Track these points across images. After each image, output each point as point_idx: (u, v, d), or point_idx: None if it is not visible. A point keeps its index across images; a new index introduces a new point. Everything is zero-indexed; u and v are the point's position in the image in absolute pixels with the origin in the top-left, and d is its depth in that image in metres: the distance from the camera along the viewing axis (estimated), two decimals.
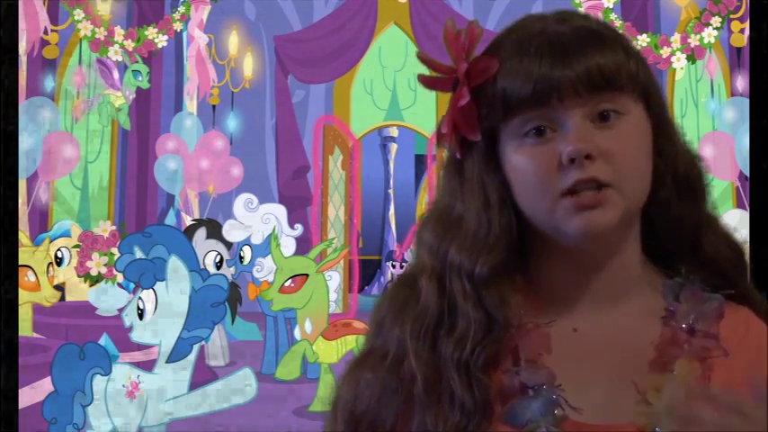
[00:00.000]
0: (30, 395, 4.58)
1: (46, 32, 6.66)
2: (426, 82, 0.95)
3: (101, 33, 6.76)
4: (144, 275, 4.17)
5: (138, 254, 4.13)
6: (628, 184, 0.89)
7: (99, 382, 4.17)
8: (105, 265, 5.62)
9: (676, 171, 0.95)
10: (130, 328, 4.27)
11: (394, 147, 11.70)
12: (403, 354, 0.92)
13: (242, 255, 5.91)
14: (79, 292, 6.03)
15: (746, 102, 6.20)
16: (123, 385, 4.22)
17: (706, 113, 6.89)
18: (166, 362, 4.25)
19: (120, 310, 4.60)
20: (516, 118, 0.90)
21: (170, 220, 7.03)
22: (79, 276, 5.70)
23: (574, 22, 0.93)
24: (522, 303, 0.91)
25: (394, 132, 11.40)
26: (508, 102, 0.90)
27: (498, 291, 0.91)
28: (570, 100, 0.88)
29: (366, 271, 10.22)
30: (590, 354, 0.92)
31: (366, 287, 10.74)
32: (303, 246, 6.01)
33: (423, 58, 0.95)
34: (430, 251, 0.94)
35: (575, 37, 0.91)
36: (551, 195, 0.88)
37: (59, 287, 5.65)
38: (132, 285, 4.70)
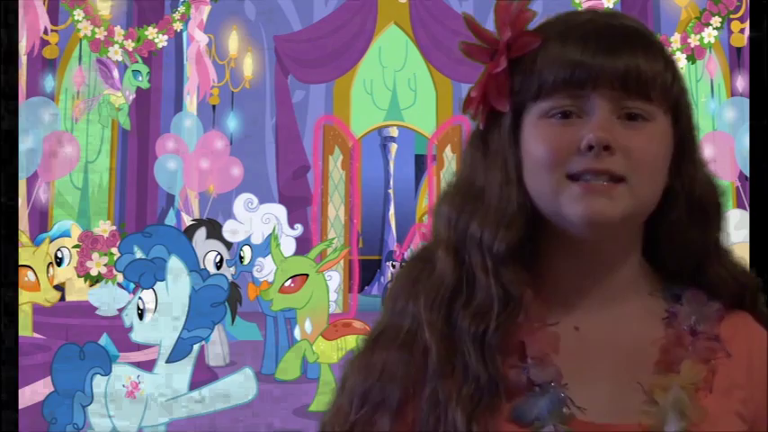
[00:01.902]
0: (30, 395, 4.59)
1: (46, 32, 6.66)
2: (467, 48, 0.95)
3: (101, 33, 6.76)
4: (144, 275, 4.16)
5: (138, 254, 4.13)
6: (641, 184, 0.89)
7: (99, 382, 4.17)
8: (105, 265, 5.62)
9: (692, 194, 0.95)
10: (130, 328, 4.27)
11: (394, 147, 11.71)
12: (416, 327, 0.92)
13: (242, 255, 5.91)
14: (79, 292, 6.04)
15: (746, 102, 6.20)
16: (123, 385, 4.22)
17: (706, 113, 6.90)
18: (166, 362, 4.25)
19: (120, 310, 4.60)
20: (548, 99, 0.90)
21: (170, 220, 7.04)
22: (79, 276, 5.70)
23: (624, 19, 0.95)
24: (530, 299, 0.92)
25: (394, 132, 11.40)
26: (544, 81, 0.90)
27: (515, 270, 0.90)
28: (604, 91, 0.89)
29: (366, 271, 10.22)
30: (592, 353, 0.92)
31: (366, 287, 10.74)
32: (303, 246, 6.01)
33: (469, 21, 0.94)
34: (448, 223, 0.94)
35: (623, 32, 0.92)
36: (558, 175, 0.88)
37: (59, 287, 5.66)
38: (132, 285, 4.71)
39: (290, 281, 5.16)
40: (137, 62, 6.93)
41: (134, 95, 7.05)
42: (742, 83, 6.71)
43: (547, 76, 0.90)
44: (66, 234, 5.97)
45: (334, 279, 5.61)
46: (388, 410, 0.91)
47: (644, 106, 0.90)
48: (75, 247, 5.76)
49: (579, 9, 0.94)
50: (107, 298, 5.44)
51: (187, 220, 6.27)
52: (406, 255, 9.14)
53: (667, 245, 0.96)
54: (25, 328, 5.28)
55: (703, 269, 0.96)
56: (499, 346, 0.89)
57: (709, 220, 0.96)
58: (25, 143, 5.99)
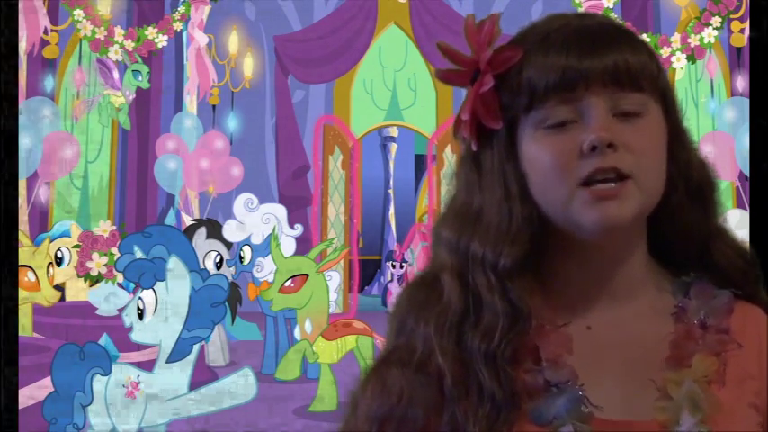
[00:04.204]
0: (30, 395, 4.59)
1: (46, 32, 6.66)
2: (444, 75, 0.94)
3: (101, 33, 6.76)
4: (144, 275, 4.16)
5: (138, 254, 4.13)
6: (647, 178, 0.89)
7: (99, 382, 4.17)
8: (105, 265, 5.62)
9: (690, 178, 0.96)
10: (130, 328, 4.27)
11: (394, 147, 11.72)
12: (429, 350, 0.91)
13: (242, 255, 5.91)
14: (79, 292, 6.04)
15: (746, 102, 6.20)
16: (123, 385, 4.22)
17: (706, 113, 6.90)
18: (166, 362, 4.25)
19: (120, 310, 4.60)
20: (541, 108, 0.90)
21: (170, 220, 7.04)
22: (79, 276, 5.70)
23: (598, 18, 0.95)
24: (539, 305, 0.92)
25: (394, 132, 11.41)
26: (534, 91, 0.90)
27: (521, 282, 0.91)
28: (597, 89, 0.89)
29: (366, 271, 10.23)
30: (604, 351, 0.93)
31: (366, 287, 10.75)
32: (303, 246, 6.01)
33: (444, 49, 0.93)
34: (449, 247, 0.94)
35: (602, 30, 0.92)
36: (568, 184, 0.88)
37: (59, 287, 5.66)
38: (132, 285, 4.71)
39: (290, 281, 5.16)
40: (137, 62, 6.93)
41: (134, 95, 7.05)
42: (742, 83, 6.72)
43: (536, 85, 0.90)
44: (66, 234, 5.98)
45: (334, 279, 5.61)
46: None
47: (638, 98, 0.90)
48: (75, 247, 5.77)
49: (550, 15, 0.94)
50: (107, 298, 5.45)
51: (187, 220, 6.27)
52: (406, 256, 9.14)
53: (671, 231, 0.97)
54: (25, 329, 5.28)
55: (709, 251, 0.97)
56: (512, 355, 0.89)
57: (707, 201, 0.97)
58: (25, 143, 5.99)
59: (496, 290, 0.90)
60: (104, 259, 5.63)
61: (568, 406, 0.88)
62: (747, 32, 6.36)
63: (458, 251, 0.93)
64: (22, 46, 6.40)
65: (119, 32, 6.83)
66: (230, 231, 5.85)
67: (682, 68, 6.76)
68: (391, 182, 11.64)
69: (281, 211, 6.07)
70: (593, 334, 0.93)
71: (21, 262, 4.82)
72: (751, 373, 0.93)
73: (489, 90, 0.91)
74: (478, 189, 0.94)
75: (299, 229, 5.99)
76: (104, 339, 4.44)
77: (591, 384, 0.89)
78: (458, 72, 0.94)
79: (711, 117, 6.76)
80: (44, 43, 6.68)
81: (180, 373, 4.27)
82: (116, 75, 6.95)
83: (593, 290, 0.94)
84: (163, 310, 4.21)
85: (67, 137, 6.64)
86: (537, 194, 0.91)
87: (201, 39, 7.28)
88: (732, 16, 6.60)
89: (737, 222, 5.16)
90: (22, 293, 4.87)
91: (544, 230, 0.92)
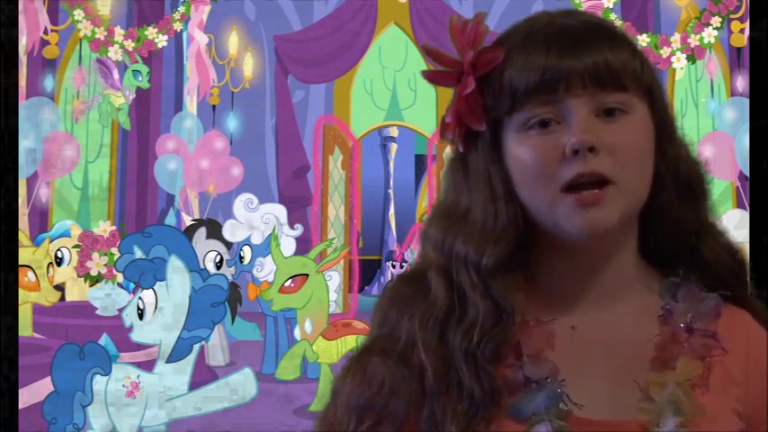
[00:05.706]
0: (30, 395, 4.59)
1: (46, 32, 6.66)
2: (430, 76, 0.95)
3: (101, 33, 6.76)
4: (144, 275, 4.17)
5: (138, 254, 4.14)
6: (630, 181, 0.89)
7: (99, 382, 4.17)
8: (105, 265, 5.62)
9: (678, 173, 0.95)
10: (130, 328, 4.28)
11: (394, 147, 11.70)
12: (412, 344, 0.91)
13: (242, 255, 5.91)
14: (79, 292, 6.03)
15: (746, 102, 6.20)
16: (123, 385, 4.22)
17: (706, 113, 6.89)
18: (166, 362, 4.25)
19: (120, 310, 4.60)
20: (522, 109, 0.90)
21: (170, 220, 7.03)
22: (79, 276, 5.69)
23: (582, 16, 0.95)
24: (524, 301, 0.92)
25: (394, 132, 11.40)
26: (515, 92, 0.90)
27: (504, 281, 0.91)
28: (577, 91, 0.89)
29: (366, 271, 10.20)
30: (589, 351, 0.92)
31: (366, 287, 10.74)
32: (303, 246, 6.01)
33: (429, 50, 0.94)
34: (435, 246, 0.95)
35: (585, 29, 0.91)
36: (552, 188, 0.88)
37: (59, 287, 5.65)
38: (132, 285, 4.71)
39: (290, 281, 5.16)
40: (137, 62, 6.92)
41: (134, 95, 7.05)
42: (742, 83, 6.71)
43: (517, 85, 0.90)
44: (66, 234, 5.97)
45: (334, 279, 5.61)
46: (392, 424, 0.90)
47: (620, 97, 0.90)
48: (75, 247, 5.76)
49: (536, 14, 0.94)
50: (107, 298, 5.44)
51: (187, 220, 6.27)
52: (406, 256, 9.14)
53: (660, 228, 0.97)
54: (25, 328, 5.27)
55: (698, 248, 0.97)
56: (495, 352, 0.89)
57: (697, 197, 0.97)
58: (25, 143, 5.99)
59: (479, 288, 0.90)
60: (104, 259, 5.62)
61: (547, 402, 0.88)
62: (747, 32, 6.35)
63: (443, 250, 0.94)
64: (22, 46, 6.40)
65: (119, 32, 6.82)
66: (230, 231, 5.85)
67: (682, 68, 6.76)
68: (391, 182, 11.62)
69: (281, 211, 6.07)
70: (577, 334, 0.93)
71: (21, 262, 4.82)
72: (735, 379, 0.93)
73: (472, 92, 0.91)
74: (466, 189, 0.95)
75: (299, 229, 5.99)
76: (104, 339, 4.44)
77: (574, 383, 0.89)
78: (443, 73, 0.94)
79: (711, 117, 6.75)
80: (44, 43, 6.68)
81: (180, 373, 4.27)
82: (116, 75, 6.94)
83: (581, 288, 0.94)
84: (163, 310, 4.21)
85: (67, 137, 6.64)
86: (522, 195, 0.92)
87: (201, 39, 7.27)
88: (732, 16, 6.59)
89: (737, 222, 5.16)
90: (22, 293, 4.87)
91: (531, 229, 0.92)
